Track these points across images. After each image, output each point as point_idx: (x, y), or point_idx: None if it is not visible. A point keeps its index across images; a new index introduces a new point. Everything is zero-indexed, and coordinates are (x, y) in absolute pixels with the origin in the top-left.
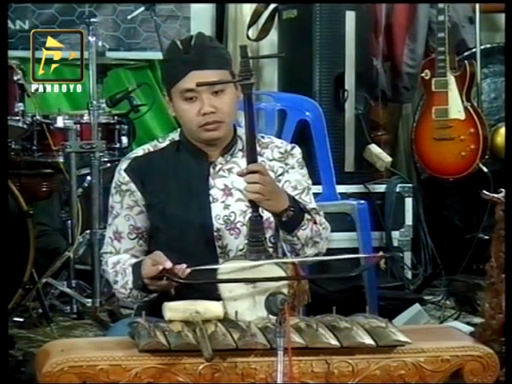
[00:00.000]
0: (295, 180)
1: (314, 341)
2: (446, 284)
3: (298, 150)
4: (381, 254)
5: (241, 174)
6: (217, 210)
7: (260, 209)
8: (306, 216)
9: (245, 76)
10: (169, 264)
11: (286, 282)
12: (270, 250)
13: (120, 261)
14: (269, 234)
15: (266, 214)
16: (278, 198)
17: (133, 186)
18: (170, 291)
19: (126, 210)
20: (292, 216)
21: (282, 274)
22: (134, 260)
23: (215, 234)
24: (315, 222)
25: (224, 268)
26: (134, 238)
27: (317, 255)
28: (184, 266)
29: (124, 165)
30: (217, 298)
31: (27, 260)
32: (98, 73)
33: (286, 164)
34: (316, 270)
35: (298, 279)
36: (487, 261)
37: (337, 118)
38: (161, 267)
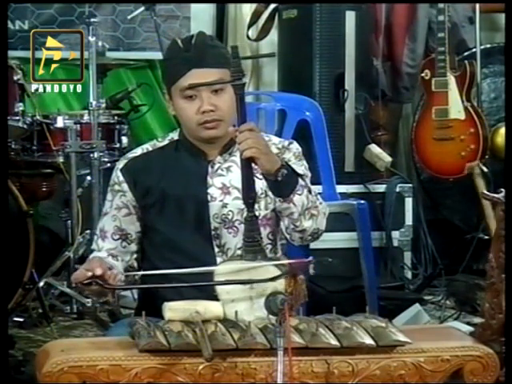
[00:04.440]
0: None
1: (313, 341)
2: (445, 284)
3: (295, 145)
4: (310, 259)
5: (232, 132)
6: (215, 209)
7: (255, 208)
8: (300, 181)
9: (236, 76)
10: (99, 271)
11: (283, 281)
12: (269, 246)
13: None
14: (267, 230)
15: (263, 212)
16: (272, 153)
17: (125, 187)
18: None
19: (114, 211)
20: (287, 175)
21: (279, 273)
22: (112, 261)
23: (213, 232)
24: (310, 191)
25: (220, 269)
26: (117, 239)
27: (316, 233)
28: (115, 271)
29: (121, 164)
30: (217, 298)
31: (27, 260)
32: (97, 73)
33: (283, 158)
34: (316, 269)
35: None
36: (487, 261)
37: (337, 117)
38: (89, 273)
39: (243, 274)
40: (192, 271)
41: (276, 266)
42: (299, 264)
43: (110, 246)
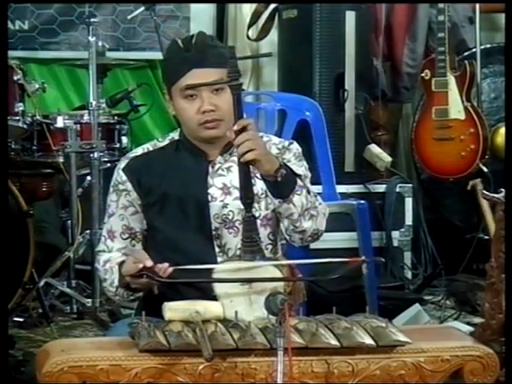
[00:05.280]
0: None
1: (313, 341)
2: (446, 284)
3: (295, 146)
4: (362, 258)
5: (230, 136)
6: (215, 209)
7: (254, 208)
8: (299, 182)
9: (233, 77)
10: (149, 262)
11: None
12: (270, 246)
13: (110, 259)
14: (268, 231)
15: (263, 212)
16: (270, 154)
17: (129, 186)
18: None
19: (121, 210)
20: (286, 176)
21: (278, 273)
22: (124, 259)
23: (213, 232)
24: (309, 192)
25: (219, 268)
26: (126, 238)
27: (316, 234)
28: (166, 265)
29: (122, 164)
30: (216, 298)
31: (27, 260)
32: (98, 73)
33: (283, 159)
34: (314, 269)
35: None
36: (487, 261)
37: (337, 118)
38: (141, 265)
39: (242, 274)
40: (191, 268)
41: (276, 267)
42: (354, 263)
43: (120, 245)
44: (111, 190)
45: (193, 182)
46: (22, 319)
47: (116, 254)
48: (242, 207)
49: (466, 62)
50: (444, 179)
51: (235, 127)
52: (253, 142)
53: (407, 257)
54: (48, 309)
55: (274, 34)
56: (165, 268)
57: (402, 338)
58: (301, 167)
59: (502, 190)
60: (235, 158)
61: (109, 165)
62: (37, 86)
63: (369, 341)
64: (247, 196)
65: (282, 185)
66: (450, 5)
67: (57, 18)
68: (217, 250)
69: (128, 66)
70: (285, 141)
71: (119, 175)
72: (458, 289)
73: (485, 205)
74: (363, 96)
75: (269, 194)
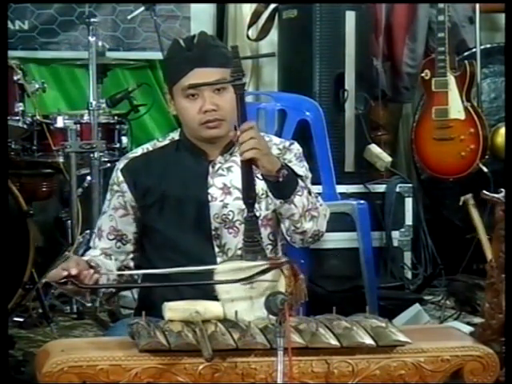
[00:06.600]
0: None
1: (313, 341)
2: (445, 284)
3: (296, 146)
4: (283, 260)
5: (235, 136)
6: (215, 209)
7: (255, 208)
8: (300, 183)
9: (236, 76)
10: (74, 270)
11: (283, 281)
12: (270, 246)
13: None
14: (268, 231)
15: (264, 212)
16: (272, 154)
17: (125, 187)
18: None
19: (112, 211)
20: (287, 176)
21: (279, 273)
22: (104, 259)
23: (213, 232)
24: (310, 193)
25: (219, 269)
26: (112, 239)
27: (316, 234)
28: (91, 271)
29: (121, 164)
30: (216, 298)
31: (27, 260)
32: (98, 73)
33: (284, 159)
34: (314, 269)
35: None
36: (487, 261)
37: (337, 117)
38: (65, 273)
39: (243, 274)
40: (191, 270)
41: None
42: (275, 265)
43: (105, 245)
44: (109, 188)
45: (193, 181)
46: (22, 319)
47: (97, 252)
48: (242, 207)
49: (466, 62)
50: (444, 179)
51: (239, 133)
52: (255, 141)
53: (407, 257)
54: (48, 309)
55: (274, 34)
56: (90, 275)
57: (402, 338)
58: (302, 168)
59: (502, 189)
60: (236, 158)
61: (109, 165)
62: (37, 86)
63: (369, 341)
64: (249, 196)
65: (284, 185)
66: (449, 5)
67: (57, 18)
68: (216, 250)
69: (128, 66)
70: (285, 141)
71: (117, 175)
72: (457, 289)
73: (476, 217)
74: (363, 96)
75: (270, 194)
